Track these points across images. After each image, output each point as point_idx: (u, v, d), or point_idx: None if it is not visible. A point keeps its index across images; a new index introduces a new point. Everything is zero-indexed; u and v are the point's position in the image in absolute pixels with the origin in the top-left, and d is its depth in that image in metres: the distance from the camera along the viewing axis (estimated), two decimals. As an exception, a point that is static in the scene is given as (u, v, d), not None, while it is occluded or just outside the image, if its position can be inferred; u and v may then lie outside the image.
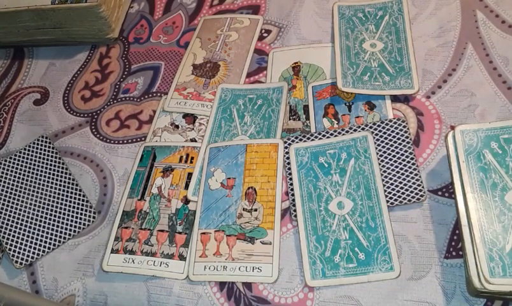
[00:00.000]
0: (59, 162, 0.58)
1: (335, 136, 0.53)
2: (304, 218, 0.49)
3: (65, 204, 0.55)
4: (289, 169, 0.52)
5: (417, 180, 0.48)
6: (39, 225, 0.54)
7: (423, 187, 0.48)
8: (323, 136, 0.53)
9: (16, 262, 0.52)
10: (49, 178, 0.57)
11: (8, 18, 0.66)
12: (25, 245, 0.52)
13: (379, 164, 0.50)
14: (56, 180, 0.57)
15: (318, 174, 0.51)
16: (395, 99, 0.55)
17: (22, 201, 0.55)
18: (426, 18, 0.60)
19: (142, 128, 0.60)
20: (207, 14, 0.69)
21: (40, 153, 0.59)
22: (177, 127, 0.59)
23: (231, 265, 0.48)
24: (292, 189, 0.51)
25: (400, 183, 0.49)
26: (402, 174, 0.49)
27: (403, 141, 0.51)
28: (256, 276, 0.47)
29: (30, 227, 0.53)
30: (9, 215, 0.54)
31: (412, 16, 0.60)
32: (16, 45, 0.72)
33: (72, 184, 0.56)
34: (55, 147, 0.59)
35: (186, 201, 0.53)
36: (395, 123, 0.52)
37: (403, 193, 0.48)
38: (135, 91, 0.64)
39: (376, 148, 0.51)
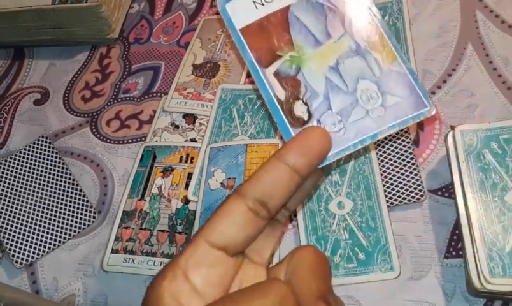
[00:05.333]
0: (59, 162, 0.58)
1: (335, 136, 0.53)
2: (304, 218, 0.49)
3: (65, 204, 0.55)
4: (289, 169, 0.52)
5: (417, 180, 0.48)
6: (39, 225, 0.54)
7: (423, 187, 0.48)
8: (323, 136, 0.53)
9: (16, 262, 0.52)
10: (49, 178, 0.57)
11: (8, 18, 0.66)
12: (25, 245, 0.53)
13: (379, 164, 0.50)
14: (57, 180, 0.57)
15: (318, 174, 0.51)
16: (395, 99, 0.55)
17: (22, 201, 0.55)
18: (426, 19, 0.60)
19: (143, 128, 0.60)
20: (208, 15, 0.69)
21: (40, 153, 0.59)
22: (177, 127, 0.59)
23: (231, 265, 0.48)
24: (292, 189, 0.51)
25: (400, 183, 0.49)
26: (402, 174, 0.49)
27: (403, 141, 0.51)
28: (256, 276, 0.47)
29: (30, 227, 0.53)
30: (9, 215, 0.54)
31: (412, 17, 0.60)
32: (16, 45, 0.72)
33: (73, 184, 0.56)
34: (55, 147, 0.59)
35: (187, 201, 0.53)
36: (395, 123, 0.52)
37: (403, 193, 0.48)
38: (136, 91, 0.64)
39: (376, 148, 0.51)
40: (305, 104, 0.28)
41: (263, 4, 0.29)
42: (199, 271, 0.24)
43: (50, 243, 0.53)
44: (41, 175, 0.57)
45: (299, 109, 0.28)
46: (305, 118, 0.28)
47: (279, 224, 0.30)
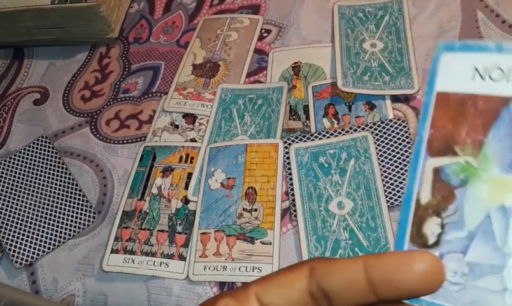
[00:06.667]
0: (59, 162, 0.58)
1: (335, 136, 0.53)
2: (304, 218, 0.48)
3: (65, 204, 0.55)
4: (289, 169, 0.52)
5: (417, 180, 0.48)
6: (39, 225, 0.54)
7: (423, 187, 0.48)
8: (323, 136, 0.53)
9: (16, 262, 0.52)
10: (49, 178, 0.57)
11: (8, 18, 0.66)
12: (25, 245, 0.52)
13: (379, 164, 0.50)
14: (56, 180, 0.57)
15: (318, 174, 0.51)
16: (395, 99, 0.55)
17: (22, 201, 0.55)
18: (426, 18, 0.60)
19: (142, 128, 0.60)
20: (207, 14, 0.69)
21: (40, 153, 0.58)
22: (177, 127, 0.59)
23: (231, 265, 0.48)
24: (292, 189, 0.51)
25: (400, 183, 0.49)
26: (402, 174, 0.49)
27: (403, 141, 0.51)
28: (257, 277, 0.47)
29: (30, 227, 0.53)
30: (9, 215, 0.54)
31: (412, 16, 0.60)
32: (16, 45, 0.72)
33: (72, 184, 0.56)
34: (55, 147, 0.59)
35: (186, 201, 0.53)
36: (395, 123, 0.52)
37: (403, 193, 0.48)
38: (135, 91, 0.64)
39: (376, 148, 0.51)
40: (442, 227, 0.21)
41: (483, 78, 0.21)
42: None
43: (50, 243, 0.53)
44: (40, 175, 0.57)
45: (431, 228, 0.21)
46: (430, 242, 0.21)
47: None
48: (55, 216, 0.54)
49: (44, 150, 0.59)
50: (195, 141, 0.57)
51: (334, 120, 0.55)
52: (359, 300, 0.21)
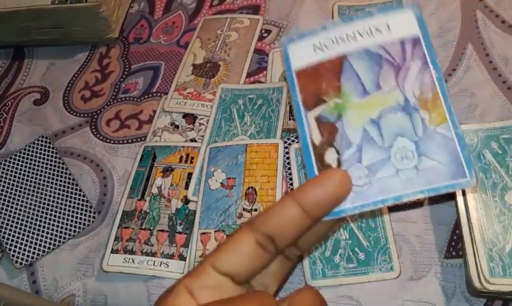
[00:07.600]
0: (59, 162, 0.58)
1: (335, 136, 0.53)
2: (304, 218, 0.49)
3: (65, 204, 0.55)
4: (289, 169, 0.52)
5: (417, 180, 0.48)
6: (39, 225, 0.54)
7: (423, 187, 0.48)
8: (323, 136, 0.53)
9: (16, 262, 0.52)
10: (49, 178, 0.57)
11: (8, 18, 0.66)
12: (25, 245, 0.53)
13: (379, 164, 0.50)
14: (57, 180, 0.57)
15: (318, 174, 0.51)
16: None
17: (22, 201, 0.55)
18: (426, 18, 0.60)
19: (142, 128, 0.60)
20: (207, 15, 0.69)
21: (40, 153, 0.59)
22: (177, 127, 0.59)
23: (231, 265, 0.48)
24: (292, 189, 0.51)
25: (400, 183, 0.49)
26: (402, 174, 0.49)
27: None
28: (256, 276, 0.47)
29: (30, 227, 0.53)
30: (9, 215, 0.54)
31: (412, 16, 0.60)
32: (16, 45, 0.72)
33: (72, 184, 0.56)
34: (55, 147, 0.59)
35: (186, 201, 0.53)
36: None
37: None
38: (135, 91, 0.64)
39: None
40: (338, 152, 0.28)
41: (322, 50, 0.29)
42: (203, 292, 0.25)
43: (50, 243, 0.53)
44: (41, 175, 0.57)
45: (330, 157, 0.28)
46: (334, 167, 0.27)
47: (289, 261, 0.29)
48: (55, 216, 0.54)
49: (45, 150, 0.59)
50: (195, 141, 0.57)
51: (333, 120, 0.55)
52: (299, 229, 0.25)
